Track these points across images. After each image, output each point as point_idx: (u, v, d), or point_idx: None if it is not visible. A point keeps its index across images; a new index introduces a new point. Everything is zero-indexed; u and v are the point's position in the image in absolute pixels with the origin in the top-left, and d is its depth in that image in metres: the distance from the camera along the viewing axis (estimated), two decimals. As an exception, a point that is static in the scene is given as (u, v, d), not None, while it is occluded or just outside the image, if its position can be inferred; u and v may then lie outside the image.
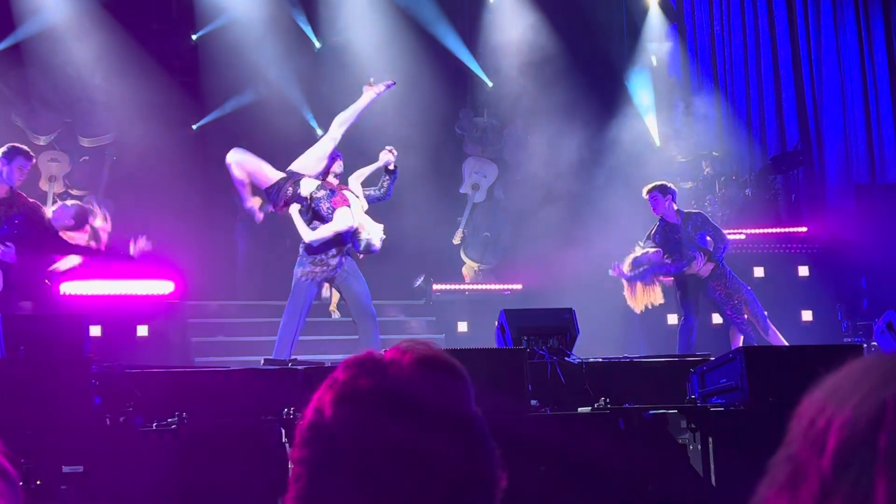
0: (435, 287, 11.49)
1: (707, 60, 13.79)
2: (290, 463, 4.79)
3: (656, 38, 13.43)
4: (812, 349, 6.15)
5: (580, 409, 5.54)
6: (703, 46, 13.82)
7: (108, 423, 4.75)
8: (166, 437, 4.85)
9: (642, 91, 13.24)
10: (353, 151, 7.85)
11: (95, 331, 9.06)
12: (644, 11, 13.47)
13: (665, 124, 13.16)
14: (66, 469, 4.60)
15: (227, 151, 8.28)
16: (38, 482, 4.51)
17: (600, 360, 6.63)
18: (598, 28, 13.24)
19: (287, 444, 4.93)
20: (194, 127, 12.56)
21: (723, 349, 7.60)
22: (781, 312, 9.42)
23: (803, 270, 11.20)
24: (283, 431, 4.96)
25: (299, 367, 6.05)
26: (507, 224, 12.87)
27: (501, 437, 1.21)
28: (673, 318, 10.55)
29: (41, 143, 11.34)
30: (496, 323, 7.08)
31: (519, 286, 11.73)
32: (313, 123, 12.55)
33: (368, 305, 8.06)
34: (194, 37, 12.57)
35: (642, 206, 9.49)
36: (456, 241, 12.60)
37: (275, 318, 10.21)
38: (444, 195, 12.67)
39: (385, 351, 1.23)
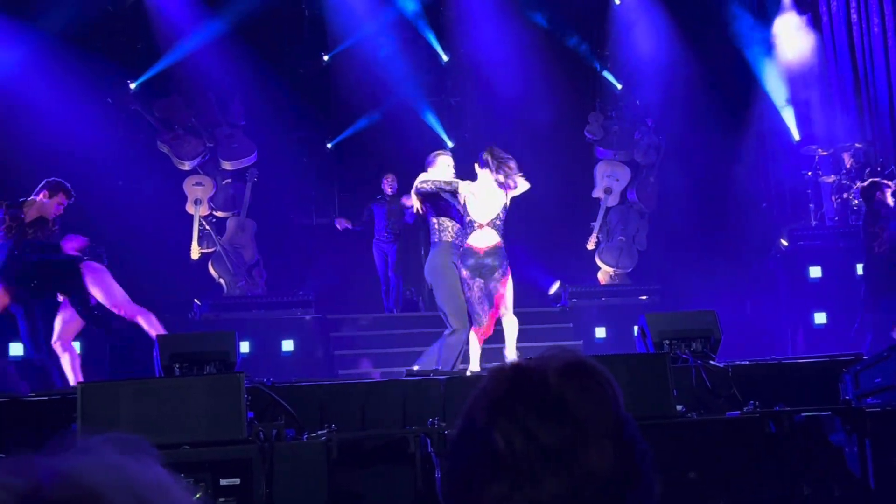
0: (571, 293, 11.39)
1: (844, 50, 13.30)
2: (437, 472, 4.86)
3: (790, 29, 13.04)
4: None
5: (728, 414, 5.43)
6: (840, 35, 13.34)
7: (262, 436, 4.91)
8: (316, 448, 4.97)
9: (778, 85, 12.87)
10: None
11: (244, 347, 9.38)
12: (777, 3, 13.11)
13: (803, 118, 12.76)
14: (223, 482, 4.78)
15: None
16: (199, 495, 4.68)
17: (746, 362, 6.47)
18: (729, 22, 12.94)
19: (433, 454, 4.98)
20: (329, 145, 12.88)
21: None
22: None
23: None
24: (429, 441, 5.01)
25: (441, 378, 6.11)
26: (642, 227, 12.70)
27: (648, 444, 1.21)
28: (820, 317, 10.22)
29: (186, 168, 11.81)
30: (636, 328, 7.00)
31: (657, 289, 11.52)
32: (443, 136, 12.68)
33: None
34: (326, 57, 12.89)
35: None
36: (590, 246, 12.50)
37: (414, 329, 10.37)
38: (576, 200, 12.60)
39: (529, 359, 1.25)
